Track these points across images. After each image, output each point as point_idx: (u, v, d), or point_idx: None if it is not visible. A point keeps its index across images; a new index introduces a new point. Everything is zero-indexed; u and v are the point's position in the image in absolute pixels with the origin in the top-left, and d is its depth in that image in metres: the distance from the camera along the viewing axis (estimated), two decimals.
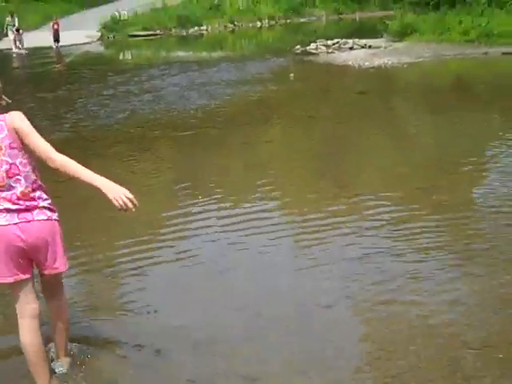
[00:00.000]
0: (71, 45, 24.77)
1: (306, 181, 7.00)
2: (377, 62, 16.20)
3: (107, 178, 2.79)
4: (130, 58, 23.69)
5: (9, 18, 22.64)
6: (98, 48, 26.46)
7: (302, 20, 37.65)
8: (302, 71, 15.21)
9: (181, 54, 23.63)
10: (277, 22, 36.10)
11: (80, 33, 26.81)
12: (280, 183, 6.73)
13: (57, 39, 24.05)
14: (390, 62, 16.02)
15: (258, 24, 35.16)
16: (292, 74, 14.47)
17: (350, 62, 16.43)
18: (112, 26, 29.59)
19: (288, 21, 36.82)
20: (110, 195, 2.73)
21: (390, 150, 8.21)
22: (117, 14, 30.19)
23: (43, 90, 14.30)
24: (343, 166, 7.36)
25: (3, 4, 30.15)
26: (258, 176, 6.94)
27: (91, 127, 10.13)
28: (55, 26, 23.92)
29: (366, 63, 16.05)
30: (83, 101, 12.46)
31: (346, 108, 11.03)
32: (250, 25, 34.69)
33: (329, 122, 10.00)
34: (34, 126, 2.87)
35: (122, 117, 10.84)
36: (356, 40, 20.29)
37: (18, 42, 23.18)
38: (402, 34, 20.38)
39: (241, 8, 35.67)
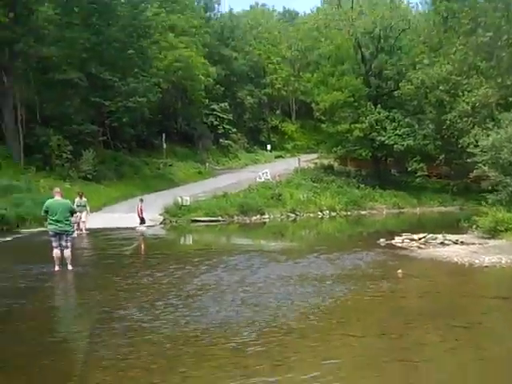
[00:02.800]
0: (134, 227, 24.14)
1: None
2: (487, 259, 14.42)
3: None
4: (198, 243, 22.50)
5: (78, 199, 22.02)
6: (161, 231, 25.60)
7: (362, 212, 37.09)
8: (406, 267, 13.39)
9: (251, 241, 22.43)
10: (338, 214, 35.49)
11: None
12: None
13: (142, 221, 24.90)
14: (503, 261, 14.23)
15: (319, 215, 34.54)
16: (400, 271, 12.72)
17: (454, 259, 14.70)
18: (174, 211, 29.10)
19: (348, 213, 36.27)
20: None
21: None
22: (179, 199, 29.87)
23: (121, 275, 12.72)
24: None
25: (68, 186, 30.18)
26: None
27: (200, 334, 8.23)
28: (142, 209, 25.06)
29: (477, 261, 14.28)
30: (178, 297, 10.65)
31: (497, 320, 9.09)
32: (311, 215, 34.11)
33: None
34: None
35: (217, 323, 8.74)
36: (447, 235, 18.85)
37: (81, 223, 22.41)
38: (495, 230, 18.95)
39: (302, 199, 35.39)
